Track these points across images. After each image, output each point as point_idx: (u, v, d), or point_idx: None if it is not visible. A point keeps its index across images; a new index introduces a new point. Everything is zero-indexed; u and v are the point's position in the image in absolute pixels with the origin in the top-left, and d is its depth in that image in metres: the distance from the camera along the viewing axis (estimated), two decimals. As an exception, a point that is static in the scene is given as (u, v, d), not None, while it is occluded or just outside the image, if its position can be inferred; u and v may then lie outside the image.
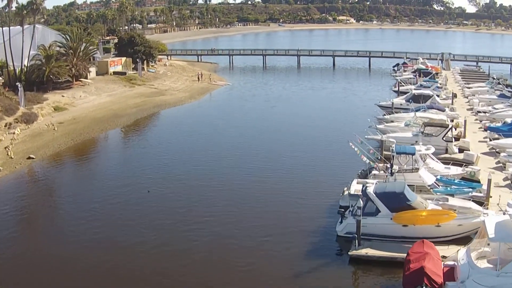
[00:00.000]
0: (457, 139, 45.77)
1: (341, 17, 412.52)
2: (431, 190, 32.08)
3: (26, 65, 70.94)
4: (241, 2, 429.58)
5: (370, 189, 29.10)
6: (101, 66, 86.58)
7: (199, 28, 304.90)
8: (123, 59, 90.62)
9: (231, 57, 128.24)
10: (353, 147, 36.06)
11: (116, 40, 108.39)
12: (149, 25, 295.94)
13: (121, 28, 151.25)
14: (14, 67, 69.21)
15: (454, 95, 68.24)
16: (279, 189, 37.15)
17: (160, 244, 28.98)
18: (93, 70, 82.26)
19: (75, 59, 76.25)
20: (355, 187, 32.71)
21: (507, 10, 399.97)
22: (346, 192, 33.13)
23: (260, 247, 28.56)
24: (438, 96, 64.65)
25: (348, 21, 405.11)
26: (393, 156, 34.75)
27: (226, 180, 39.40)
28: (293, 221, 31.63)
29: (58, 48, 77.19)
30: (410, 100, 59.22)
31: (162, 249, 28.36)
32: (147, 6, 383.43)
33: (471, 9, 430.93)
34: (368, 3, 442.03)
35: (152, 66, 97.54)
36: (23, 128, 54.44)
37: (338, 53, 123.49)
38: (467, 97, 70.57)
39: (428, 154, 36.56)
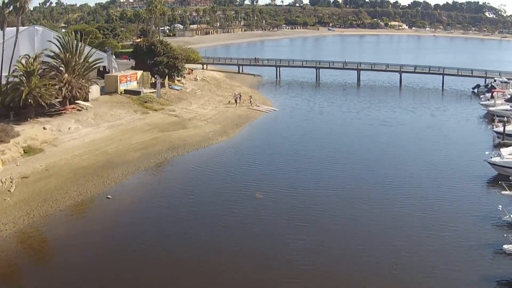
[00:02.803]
0: None
1: (393, 23, 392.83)
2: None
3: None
4: (289, 4, 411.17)
5: None
6: (108, 82, 66.71)
7: (244, 30, 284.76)
8: (139, 73, 70.40)
9: (278, 69, 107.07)
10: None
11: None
12: (191, 26, 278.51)
13: (150, 29, 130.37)
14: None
15: None
16: None
17: None
18: (95, 89, 62.14)
19: (67, 75, 56.27)
20: None
21: None
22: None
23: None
24: None
25: (400, 27, 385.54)
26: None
27: None
28: None
29: (50, 60, 57.53)
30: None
31: None
32: (191, 6, 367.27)
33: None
34: (419, 8, 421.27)
35: (178, 81, 76.99)
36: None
37: (406, 68, 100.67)
38: None
39: None
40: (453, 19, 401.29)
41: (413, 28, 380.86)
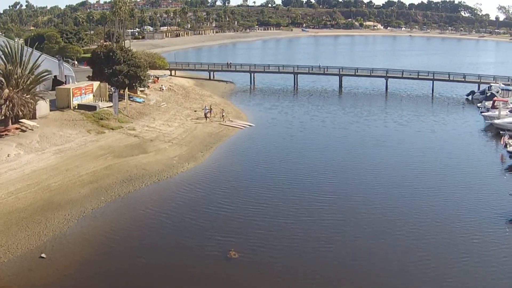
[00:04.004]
0: None
1: (368, 23, 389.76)
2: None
3: None
4: (262, 5, 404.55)
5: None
6: (60, 96, 58.04)
7: (216, 32, 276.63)
8: (96, 84, 61.84)
9: (252, 74, 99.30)
10: None
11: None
12: (161, 28, 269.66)
13: (115, 32, 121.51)
14: None
15: None
16: None
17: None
18: (44, 104, 53.54)
19: (8, 90, 47.70)
20: None
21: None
22: None
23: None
24: None
25: (375, 27, 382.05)
26: None
27: None
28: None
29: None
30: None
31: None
32: (162, 7, 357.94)
33: (493, 16, 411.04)
34: (392, 8, 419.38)
35: (141, 92, 68.65)
36: None
37: (392, 73, 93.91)
38: None
39: None
40: (429, 19, 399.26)
41: (388, 28, 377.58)
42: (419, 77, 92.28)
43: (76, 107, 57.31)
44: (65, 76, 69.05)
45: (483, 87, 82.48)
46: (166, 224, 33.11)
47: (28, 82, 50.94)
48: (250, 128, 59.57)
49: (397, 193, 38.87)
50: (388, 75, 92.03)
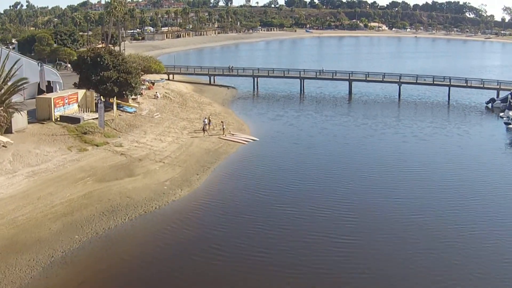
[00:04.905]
0: None
1: (372, 24, 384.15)
2: None
3: None
4: (265, 5, 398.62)
5: None
6: (40, 106, 51.78)
7: (218, 33, 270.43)
8: (81, 93, 55.59)
9: (255, 79, 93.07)
10: None
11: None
12: (162, 29, 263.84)
13: (109, 32, 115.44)
14: None
15: None
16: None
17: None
18: (21, 118, 47.31)
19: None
20: None
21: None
22: None
23: None
24: None
25: (380, 28, 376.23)
26: None
27: None
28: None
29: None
30: None
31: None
32: (164, 8, 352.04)
33: (498, 17, 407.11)
34: (396, 9, 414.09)
35: (133, 100, 62.41)
36: None
37: (405, 78, 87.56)
38: None
39: None
40: (434, 20, 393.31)
41: (393, 29, 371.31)
42: (435, 82, 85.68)
43: (59, 119, 51.03)
44: (50, 82, 63.04)
45: (502, 94, 76.51)
46: (151, 277, 26.74)
47: (2, 92, 44.75)
48: (253, 143, 53.05)
49: (441, 235, 32.28)
50: (401, 80, 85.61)
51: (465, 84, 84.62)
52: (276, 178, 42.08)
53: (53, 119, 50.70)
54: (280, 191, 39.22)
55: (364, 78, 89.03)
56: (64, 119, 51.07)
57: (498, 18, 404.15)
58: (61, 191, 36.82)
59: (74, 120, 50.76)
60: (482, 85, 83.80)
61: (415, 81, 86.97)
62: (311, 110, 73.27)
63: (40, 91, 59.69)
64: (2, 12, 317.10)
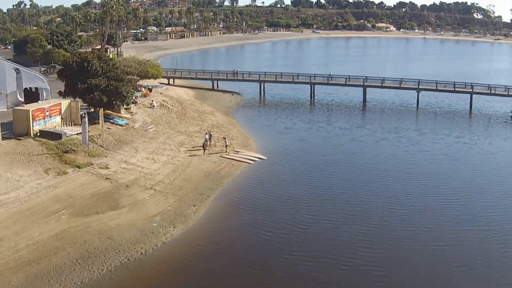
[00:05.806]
0: None
1: (380, 24, 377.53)
2: None
3: None
4: (271, 5, 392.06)
5: None
6: (17, 119, 45.29)
7: (223, 33, 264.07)
8: (64, 103, 49.09)
9: (262, 84, 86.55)
10: None
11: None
12: (166, 29, 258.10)
13: (106, 32, 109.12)
14: None
15: None
16: None
17: None
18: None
19: None
20: None
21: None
22: None
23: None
24: None
25: (388, 29, 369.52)
26: None
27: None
28: None
29: None
30: None
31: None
32: (169, 7, 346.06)
33: (506, 17, 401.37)
34: (404, 9, 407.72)
35: (126, 110, 55.95)
36: None
37: (424, 85, 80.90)
38: None
39: None
40: (442, 20, 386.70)
41: (401, 30, 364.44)
42: (456, 89, 78.89)
43: (38, 134, 44.57)
44: (37, 89, 56.87)
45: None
46: None
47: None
48: (259, 162, 46.31)
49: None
50: (420, 87, 78.88)
51: (489, 92, 77.83)
52: (287, 213, 34.93)
53: (32, 135, 44.23)
54: (291, 230, 32.36)
55: (380, 84, 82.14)
56: (44, 134, 44.62)
57: (506, 19, 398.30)
58: (30, 229, 30.39)
59: (55, 135, 44.27)
60: (507, 93, 76.96)
61: (435, 88, 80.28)
62: (323, 121, 66.44)
63: (27, 98, 53.90)
64: (6, 11, 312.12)
